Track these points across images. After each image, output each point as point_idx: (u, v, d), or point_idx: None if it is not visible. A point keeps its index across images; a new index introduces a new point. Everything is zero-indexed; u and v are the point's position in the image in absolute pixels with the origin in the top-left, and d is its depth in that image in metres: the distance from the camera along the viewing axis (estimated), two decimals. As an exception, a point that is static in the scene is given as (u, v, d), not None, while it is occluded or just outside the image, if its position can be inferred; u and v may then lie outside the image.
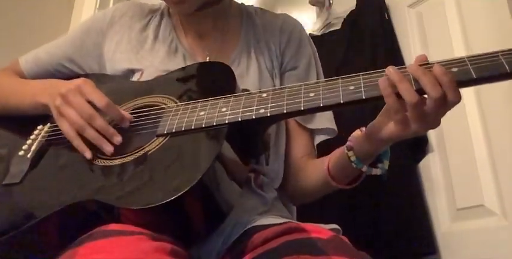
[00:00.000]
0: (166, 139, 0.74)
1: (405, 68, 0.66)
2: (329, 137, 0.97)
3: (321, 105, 0.68)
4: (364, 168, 0.79)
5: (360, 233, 1.33)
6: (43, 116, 0.86)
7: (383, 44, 1.69)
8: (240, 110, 0.72)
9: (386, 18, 1.76)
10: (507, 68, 0.60)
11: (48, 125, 0.87)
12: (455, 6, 1.55)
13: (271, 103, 0.71)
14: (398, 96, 0.64)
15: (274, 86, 0.96)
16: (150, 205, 0.62)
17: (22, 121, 0.91)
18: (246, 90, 0.90)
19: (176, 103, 0.80)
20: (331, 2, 2.04)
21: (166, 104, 0.81)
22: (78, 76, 0.98)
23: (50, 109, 0.81)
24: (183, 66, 0.91)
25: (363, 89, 0.66)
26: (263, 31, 1.01)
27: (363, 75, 0.68)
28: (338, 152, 0.83)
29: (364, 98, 0.66)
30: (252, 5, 1.09)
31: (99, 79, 0.94)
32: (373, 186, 1.49)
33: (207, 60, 0.96)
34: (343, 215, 1.48)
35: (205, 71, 0.87)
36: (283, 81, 0.98)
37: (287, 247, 0.63)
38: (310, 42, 1.05)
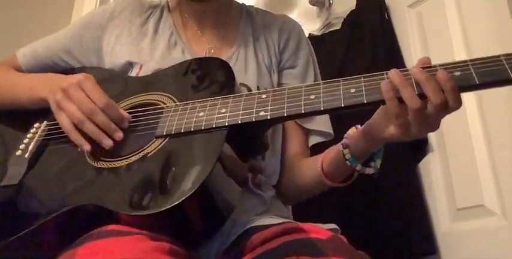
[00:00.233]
0: (166, 141, 0.73)
1: (408, 70, 0.65)
2: (324, 140, 0.97)
3: (322, 108, 0.67)
4: (358, 167, 0.79)
5: (359, 233, 1.33)
6: (40, 113, 0.86)
7: (383, 44, 1.69)
8: (240, 112, 0.71)
9: (386, 18, 1.75)
10: (510, 73, 0.60)
11: (45, 123, 0.86)
12: (455, 6, 1.54)
13: (271, 105, 0.70)
14: (400, 100, 0.64)
15: (272, 81, 0.97)
16: (150, 212, 0.62)
17: (18, 118, 0.90)
18: (245, 85, 0.91)
19: (174, 101, 0.79)
20: (331, 2, 2.04)
21: (164, 103, 0.80)
22: (73, 69, 0.99)
23: (48, 103, 0.81)
24: (182, 59, 0.91)
25: (364, 93, 0.66)
26: (263, 29, 1.02)
27: (364, 77, 0.68)
28: (333, 150, 0.83)
29: (365, 102, 0.65)
30: (252, 5, 1.10)
31: (97, 73, 0.93)
32: (373, 186, 1.49)
33: (206, 55, 0.96)
34: (343, 215, 1.48)
35: (203, 67, 0.87)
36: (281, 79, 0.99)
37: (286, 248, 0.63)
38: (309, 43, 1.06)
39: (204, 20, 1.00)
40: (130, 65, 0.94)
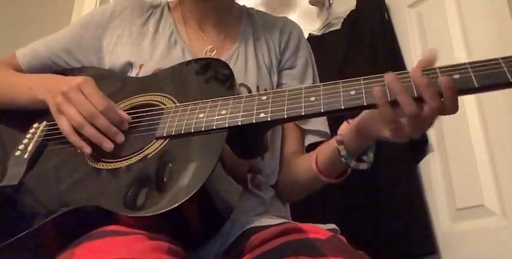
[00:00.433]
0: (166, 142, 0.73)
1: (407, 73, 0.64)
2: (322, 139, 0.97)
3: (322, 110, 0.67)
4: (353, 163, 0.79)
5: (359, 233, 1.33)
6: (39, 113, 0.86)
7: (383, 44, 1.69)
8: (240, 114, 0.71)
9: (386, 18, 1.75)
10: (509, 77, 0.59)
11: (44, 123, 0.86)
12: (455, 6, 1.54)
13: (272, 107, 0.70)
14: (394, 103, 0.64)
15: (272, 82, 0.97)
16: (150, 214, 0.62)
17: (17, 119, 0.90)
18: (244, 85, 0.90)
19: (174, 102, 0.79)
20: (331, 2, 2.04)
21: (164, 104, 0.80)
22: (73, 69, 0.99)
23: (47, 104, 0.81)
24: (182, 59, 0.91)
25: (364, 95, 0.65)
26: (263, 30, 1.03)
27: (364, 79, 0.67)
28: (327, 146, 0.83)
29: (365, 104, 0.65)
30: (253, 8, 1.11)
31: (97, 73, 0.93)
32: (373, 186, 1.49)
33: (206, 55, 0.96)
34: (342, 215, 1.48)
35: (203, 68, 0.87)
36: (280, 79, 1.00)
37: (285, 248, 0.63)
38: (308, 45, 1.07)
39: (205, 19, 1.01)
40: (130, 65, 0.94)
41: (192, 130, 0.72)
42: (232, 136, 0.70)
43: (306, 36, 1.96)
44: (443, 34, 1.54)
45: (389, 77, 0.64)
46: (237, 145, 0.73)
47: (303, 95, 0.69)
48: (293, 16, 2.39)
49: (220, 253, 0.75)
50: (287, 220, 0.79)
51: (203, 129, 0.71)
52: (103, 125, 0.75)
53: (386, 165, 1.48)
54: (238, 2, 1.08)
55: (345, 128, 0.79)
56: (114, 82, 0.91)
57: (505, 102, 1.35)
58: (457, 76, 0.62)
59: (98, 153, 0.76)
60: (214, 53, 0.96)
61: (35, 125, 0.86)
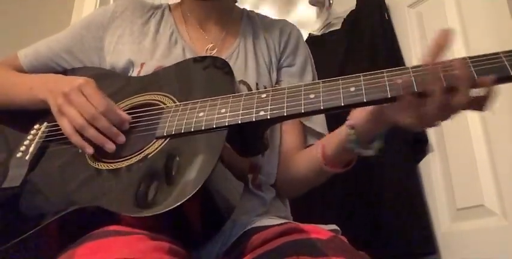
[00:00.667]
0: (166, 141, 0.73)
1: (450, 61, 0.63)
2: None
3: (322, 108, 0.67)
4: (358, 150, 0.77)
5: (359, 233, 1.33)
6: (39, 114, 0.86)
7: (383, 44, 1.69)
8: (240, 112, 0.71)
9: (386, 18, 1.75)
10: (510, 70, 0.60)
11: (45, 124, 0.86)
12: (455, 6, 1.54)
13: (271, 105, 0.70)
14: (420, 94, 0.62)
15: (271, 80, 0.98)
16: (151, 214, 0.62)
17: (18, 120, 0.90)
18: (244, 82, 0.91)
19: (174, 101, 0.79)
20: (331, 2, 2.04)
21: (164, 103, 0.80)
22: (73, 69, 0.99)
23: (47, 105, 0.81)
24: (183, 57, 0.92)
25: (364, 91, 0.65)
26: (263, 30, 1.04)
27: (363, 75, 0.67)
28: (334, 135, 0.82)
29: (365, 100, 0.65)
30: (253, 10, 1.12)
31: (98, 73, 0.94)
32: (373, 186, 1.49)
33: (207, 53, 0.97)
34: (343, 215, 1.49)
35: (202, 66, 0.87)
36: (279, 76, 1.00)
37: (287, 248, 0.63)
38: (307, 46, 1.08)
39: (207, 18, 1.02)
40: (131, 63, 0.94)
41: (192, 130, 0.72)
42: (232, 134, 0.70)
43: (306, 36, 1.96)
44: (443, 34, 1.54)
45: (427, 62, 0.63)
46: (237, 144, 0.73)
47: (302, 93, 0.69)
48: (293, 16, 2.39)
49: (221, 253, 0.75)
50: (288, 221, 0.79)
51: (203, 128, 0.71)
52: (103, 126, 0.76)
53: (386, 165, 1.48)
54: (238, 6, 1.10)
55: (357, 113, 0.77)
56: (114, 82, 0.91)
57: (505, 102, 1.35)
58: (457, 71, 0.61)
59: (99, 153, 0.76)
60: (215, 51, 0.97)
61: (36, 126, 0.87)
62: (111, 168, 0.73)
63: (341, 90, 0.67)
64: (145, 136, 0.76)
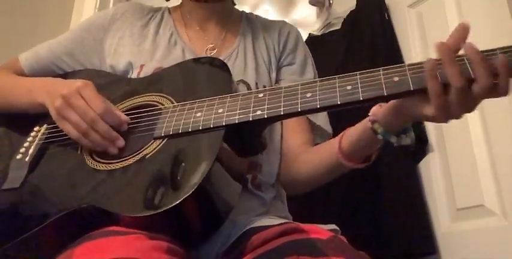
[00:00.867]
0: (164, 142, 0.73)
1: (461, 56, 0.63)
2: (322, 141, 0.96)
3: (318, 106, 0.67)
4: (393, 139, 0.74)
5: (359, 233, 1.33)
6: (40, 117, 0.86)
7: (383, 44, 1.69)
8: (237, 112, 0.71)
9: (386, 18, 1.76)
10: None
11: (45, 126, 0.86)
12: (455, 6, 1.54)
13: (268, 104, 0.70)
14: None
15: (271, 79, 0.98)
16: (148, 213, 0.62)
17: (19, 122, 0.90)
18: (244, 82, 0.91)
19: (172, 102, 0.80)
20: (331, 2, 2.04)
21: (162, 104, 0.80)
22: (73, 71, 0.99)
23: (46, 108, 0.81)
24: (182, 58, 0.92)
25: (360, 89, 0.65)
26: (262, 31, 1.05)
27: (359, 74, 0.67)
28: (356, 129, 0.80)
29: (361, 99, 0.65)
30: (252, 12, 1.13)
31: (97, 76, 0.94)
32: (373, 186, 1.49)
33: (207, 53, 0.97)
34: (343, 215, 1.49)
35: (200, 67, 0.87)
36: (279, 75, 1.01)
37: (287, 248, 0.63)
38: (305, 45, 1.09)
39: (207, 20, 1.03)
40: (131, 65, 0.95)
41: (190, 130, 0.72)
42: (229, 134, 0.71)
43: (306, 36, 1.96)
44: (443, 34, 1.53)
45: (440, 46, 0.63)
46: (235, 143, 0.73)
47: (299, 92, 0.69)
48: (293, 16, 2.39)
49: (221, 253, 0.75)
50: (288, 221, 0.79)
51: (200, 128, 0.71)
52: (103, 130, 0.76)
53: (386, 164, 1.48)
54: (238, 9, 1.12)
55: (377, 109, 0.75)
56: (113, 84, 0.92)
57: (505, 102, 1.35)
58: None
59: (98, 154, 0.77)
60: (215, 51, 0.98)
61: (36, 128, 0.87)
62: (109, 168, 0.74)
63: (337, 89, 0.67)
64: (143, 136, 0.76)
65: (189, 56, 0.95)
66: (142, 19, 1.02)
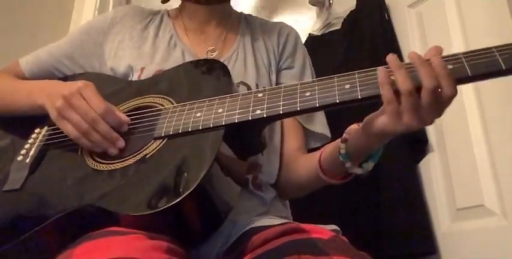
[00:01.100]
0: (164, 142, 0.74)
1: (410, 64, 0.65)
2: (321, 144, 0.97)
3: (317, 105, 0.67)
4: (348, 164, 0.77)
5: (359, 233, 1.33)
6: (40, 119, 0.86)
7: (383, 44, 1.69)
8: (237, 111, 0.71)
9: (386, 18, 1.76)
10: (502, 65, 0.60)
11: (46, 128, 0.86)
12: (455, 6, 1.54)
13: (268, 104, 0.71)
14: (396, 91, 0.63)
15: (271, 81, 0.99)
16: (148, 212, 0.62)
17: (19, 124, 0.91)
18: (244, 83, 0.91)
19: (172, 103, 0.80)
20: (331, 2, 2.04)
21: (162, 105, 0.81)
22: (73, 74, 1.00)
23: (46, 110, 0.81)
24: (182, 61, 0.93)
25: (358, 88, 0.66)
26: (261, 33, 1.06)
27: (358, 73, 0.68)
28: (332, 145, 0.82)
29: (359, 97, 0.65)
30: (251, 14, 1.14)
31: (98, 78, 0.94)
32: (373, 186, 1.49)
33: (207, 55, 0.98)
34: (343, 215, 1.49)
35: (200, 68, 0.88)
36: (279, 78, 1.01)
37: (288, 247, 0.63)
38: (304, 47, 1.09)
39: (207, 23, 1.03)
40: (131, 69, 0.95)
41: (190, 129, 0.72)
42: (229, 134, 0.71)
43: (306, 36, 1.96)
44: (443, 34, 1.54)
45: (389, 55, 0.66)
46: (234, 143, 0.73)
47: (298, 91, 0.70)
48: (293, 16, 2.39)
49: (221, 253, 0.76)
50: (289, 221, 0.79)
51: (200, 127, 0.72)
52: (104, 131, 0.76)
53: (386, 165, 1.47)
54: (241, 3, 1.11)
55: (353, 129, 0.77)
56: (114, 85, 0.92)
57: (505, 102, 1.35)
58: (450, 66, 0.63)
59: (98, 155, 0.77)
60: (215, 53, 0.98)
61: (37, 130, 0.87)
62: (110, 168, 0.74)
63: (336, 88, 0.68)
64: (144, 137, 0.76)
65: (188, 58, 0.95)
66: (142, 22, 1.03)
